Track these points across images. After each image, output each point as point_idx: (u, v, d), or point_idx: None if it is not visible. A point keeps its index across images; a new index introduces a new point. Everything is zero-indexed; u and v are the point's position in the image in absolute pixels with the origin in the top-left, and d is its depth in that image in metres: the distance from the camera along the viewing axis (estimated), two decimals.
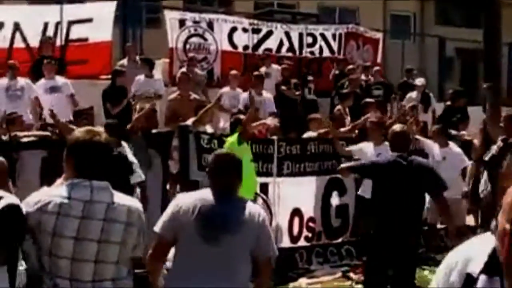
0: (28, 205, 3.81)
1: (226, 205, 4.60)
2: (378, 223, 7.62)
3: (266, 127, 11.00)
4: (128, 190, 8.13)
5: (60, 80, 13.00)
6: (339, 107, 13.57)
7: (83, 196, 3.81)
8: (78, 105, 12.79)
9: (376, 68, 17.07)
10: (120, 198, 3.95)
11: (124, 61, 14.69)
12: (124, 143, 8.91)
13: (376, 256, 7.65)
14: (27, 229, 3.76)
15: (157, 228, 4.67)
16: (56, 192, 3.83)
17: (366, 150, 10.14)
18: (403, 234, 7.32)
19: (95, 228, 3.79)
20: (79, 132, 3.98)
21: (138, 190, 9.09)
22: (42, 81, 12.91)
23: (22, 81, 12.63)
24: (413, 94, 16.03)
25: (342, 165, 8.62)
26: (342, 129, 11.91)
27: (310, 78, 15.61)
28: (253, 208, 4.68)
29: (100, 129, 4.16)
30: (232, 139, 9.15)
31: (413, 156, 7.73)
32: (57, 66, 13.18)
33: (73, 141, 3.94)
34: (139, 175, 8.97)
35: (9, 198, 3.86)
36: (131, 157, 9.01)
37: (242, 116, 9.83)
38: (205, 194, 4.70)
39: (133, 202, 4.08)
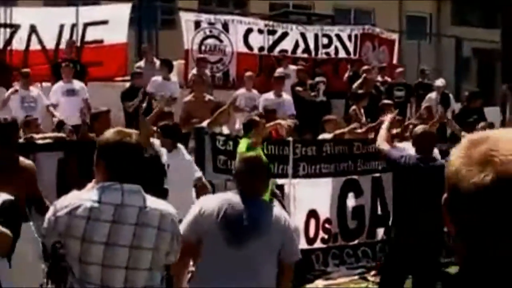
0: (57, 209, 3.70)
1: (252, 209, 4.56)
2: (397, 226, 7.54)
3: (282, 128, 10.96)
4: (161, 193, 8.08)
5: (77, 83, 13.21)
6: (354, 107, 13.50)
7: (114, 199, 3.69)
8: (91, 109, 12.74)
9: (400, 69, 17.06)
10: (152, 202, 3.82)
11: (141, 63, 14.74)
12: (180, 145, 8.82)
13: (393, 260, 7.55)
14: (57, 234, 3.67)
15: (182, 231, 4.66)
16: (86, 195, 3.72)
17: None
18: (422, 239, 7.19)
19: (126, 233, 3.66)
20: (109, 133, 3.86)
21: None
22: (60, 83, 13.08)
23: (35, 91, 12.87)
24: (433, 95, 15.95)
25: (381, 146, 8.07)
26: (358, 130, 11.85)
27: (321, 79, 15.51)
28: (279, 212, 4.66)
29: (132, 131, 3.95)
30: (242, 145, 9.13)
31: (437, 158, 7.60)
32: (74, 69, 13.32)
33: (103, 143, 3.84)
34: None
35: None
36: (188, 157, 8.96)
37: (256, 118, 9.79)
38: (230, 197, 4.67)
39: (166, 206, 3.91)
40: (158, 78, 13.78)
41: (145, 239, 3.70)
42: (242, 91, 14.21)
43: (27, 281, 6.67)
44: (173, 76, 14.34)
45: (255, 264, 4.48)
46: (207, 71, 14.84)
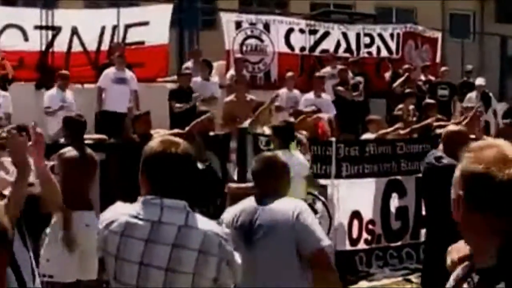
0: (100, 221, 3.50)
1: (262, 209, 4.47)
2: (430, 231, 7.36)
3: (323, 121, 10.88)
4: (216, 209, 8.03)
5: (128, 73, 13.34)
6: (401, 106, 13.31)
7: (151, 215, 3.34)
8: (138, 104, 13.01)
9: (445, 68, 16.85)
10: (196, 220, 3.37)
11: (189, 64, 14.72)
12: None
13: (431, 265, 7.37)
14: (100, 248, 3.45)
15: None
16: (125, 209, 3.42)
17: None
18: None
19: (161, 254, 3.29)
20: (154, 142, 3.51)
21: None
22: (112, 69, 13.26)
23: (69, 94, 12.87)
24: (473, 95, 15.72)
25: None
26: (401, 132, 11.70)
27: (359, 79, 15.36)
28: (288, 205, 4.45)
29: (181, 140, 3.53)
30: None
31: None
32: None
33: (146, 153, 3.47)
34: None
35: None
36: None
37: (292, 119, 9.79)
38: (247, 201, 4.61)
39: (213, 227, 3.45)
40: (198, 79, 13.83)
41: (183, 262, 3.29)
42: (283, 90, 14.13)
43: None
44: (213, 77, 14.33)
45: (269, 264, 4.36)
46: (245, 72, 14.76)
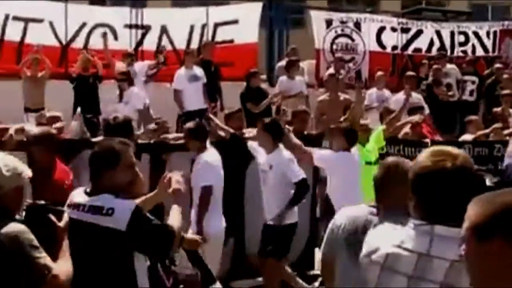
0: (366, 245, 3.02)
1: (376, 223, 3.85)
2: None
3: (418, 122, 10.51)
4: None
5: (197, 69, 13.26)
6: (498, 108, 12.75)
7: (418, 246, 2.77)
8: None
9: None
10: None
11: (284, 62, 14.64)
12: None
13: None
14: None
15: (321, 247, 4.26)
16: (396, 237, 2.88)
17: None
18: None
19: None
20: (422, 156, 2.87)
21: None
22: (183, 70, 13.22)
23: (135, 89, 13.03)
24: None
25: None
26: (505, 131, 11.18)
27: (473, 78, 14.84)
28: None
29: (458, 151, 2.90)
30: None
31: None
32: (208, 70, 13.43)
33: (415, 170, 2.86)
34: None
35: None
36: None
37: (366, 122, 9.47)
38: (362, 209, 4.10)
39: None
40: (283, 78, 13.68)
41: None
42: (373, 90, 13.89)
43: None
44: (300, 76, 14.11)
45: None
46: (343, 71, 14.49)
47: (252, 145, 8.47)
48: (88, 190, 4.37)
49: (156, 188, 4.87)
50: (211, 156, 7.79)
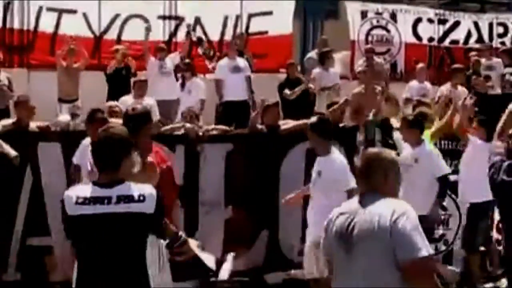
0: None
1: (361, 209, 4.05)
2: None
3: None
4: None
5: (241, 61, 13.39)
6: None
7: None
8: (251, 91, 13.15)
9: None
10: None
11: (313, 54, 14.47)
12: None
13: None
14: None
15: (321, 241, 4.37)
16: None
17: None
18: None
19: None
20: None
21: None
22: (226, 60, 13.35)
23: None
24: None
25: None
26: None
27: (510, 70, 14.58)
28: (388, 207, 3.97)
29: None
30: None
31: None
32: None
33: None
34: None
35: None
36: None
37: (428, 110, 9.28)
38: (351, 201, 4.27)
39: None
40: (317, 69, 13.59)
41: None
42: (413, 82, 13.74)
43: None
44: (333, 67, 13.97)
45: (366, 271, 3.95)
46: (376, 59, 14.36)
47: (399, 137, 8.74)
48: (98, 181, 4.38)
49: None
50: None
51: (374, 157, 4.22)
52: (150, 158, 6.19)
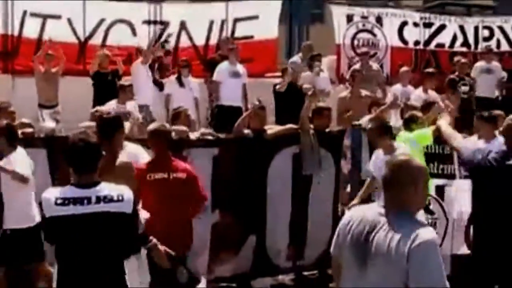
0: None
1: (382, 224, 3.83)
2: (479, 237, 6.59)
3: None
4: None
5: (240, 67, 13.35)
6: None
7: None
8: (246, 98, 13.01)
9: None
10: None
11: (297, 58, 14.28)
12: None
13: (477, 273, 6.61)
14: None
15: (331, 247, 4.13)
16: None
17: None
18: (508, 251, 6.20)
19: None
20: None
21: None
22: (225, 64, 13.26)
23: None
24: None
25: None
26: None
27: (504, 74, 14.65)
28: (411, 230, 3.75)
29: None
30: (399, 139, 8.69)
31: None
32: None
33: None
34: None
35: None
36: None
37: (419, 114, 9.21)
38: (372, 209, 3.97)
39: None
40: (308, 74, 13.57)
41: None
42: (397, 86, 13.69)
43: None
44: (323, 72, 13.95)
45: None
46: (372, 63, 14.37)
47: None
48: (77, 183, 4.48)
49: None
50: None
51: (402, 165, 3.93)
52: (123, 159, 6.30)
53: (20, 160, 7.29)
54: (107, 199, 4.40)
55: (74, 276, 4.42)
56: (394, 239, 3.73)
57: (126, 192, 4.51)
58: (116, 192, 4.46)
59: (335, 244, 4.07)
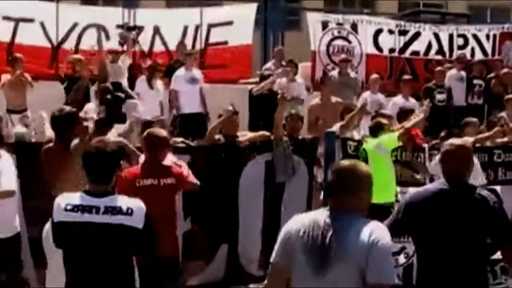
0: None
1: (337, 227, 3.86)
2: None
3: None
4: None
5: (196, 72, 13.25)
6: (502, 114, 12.42)
7: None
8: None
9: None
10: None
11: (270, 64, 14.30)
12: None
13: None
14: None
15: (271, 258, 4.04)
16: None
17: None
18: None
19: None
20: None
21: None
22: (182, 71, 13.12)
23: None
24: None
25: None
26: (505, 139, 10.85)
27: (479, 82, 14.70)
28: (365, 227, 3.83)
29: None
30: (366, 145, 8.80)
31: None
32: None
33: None
34: None
35: None
36: None
37: (384, 121, 9.21)
38: (317, 215, 3.97)
39: None
40: (283, 80, 13.42)
41: None
42: (367, 94, 13.74)
43: None
44: (299, 78, 13.89)
45: None
46: (350, 72, 14.38)
47: None
48: (89, 191, 4.51)
49: None
50: None
51: (349, 171, 4.02)
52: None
53: (7, 167, 6.79)
54: (116, 211, 4.41)
55: (79, 283, 4.48)
56: (351, 240, 3.79)
57: (137, 205, 4.52)
58: (126, 205, 4.47)
59: (282, 252, 3.99)
